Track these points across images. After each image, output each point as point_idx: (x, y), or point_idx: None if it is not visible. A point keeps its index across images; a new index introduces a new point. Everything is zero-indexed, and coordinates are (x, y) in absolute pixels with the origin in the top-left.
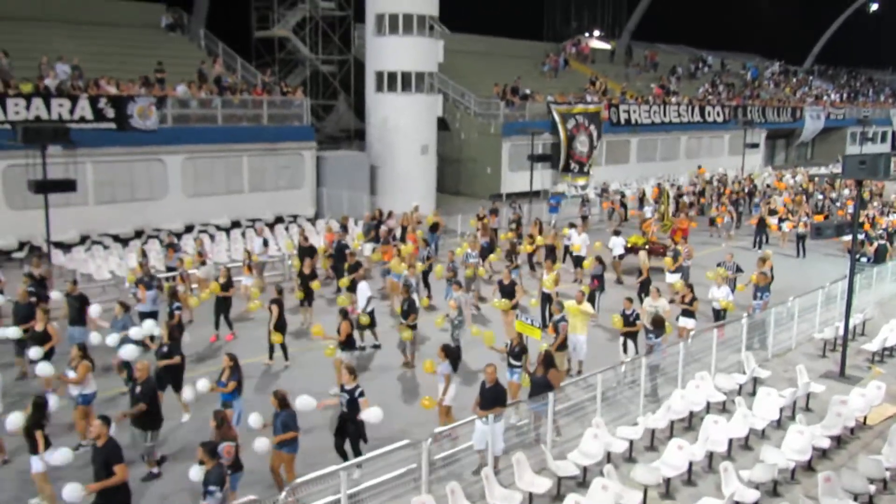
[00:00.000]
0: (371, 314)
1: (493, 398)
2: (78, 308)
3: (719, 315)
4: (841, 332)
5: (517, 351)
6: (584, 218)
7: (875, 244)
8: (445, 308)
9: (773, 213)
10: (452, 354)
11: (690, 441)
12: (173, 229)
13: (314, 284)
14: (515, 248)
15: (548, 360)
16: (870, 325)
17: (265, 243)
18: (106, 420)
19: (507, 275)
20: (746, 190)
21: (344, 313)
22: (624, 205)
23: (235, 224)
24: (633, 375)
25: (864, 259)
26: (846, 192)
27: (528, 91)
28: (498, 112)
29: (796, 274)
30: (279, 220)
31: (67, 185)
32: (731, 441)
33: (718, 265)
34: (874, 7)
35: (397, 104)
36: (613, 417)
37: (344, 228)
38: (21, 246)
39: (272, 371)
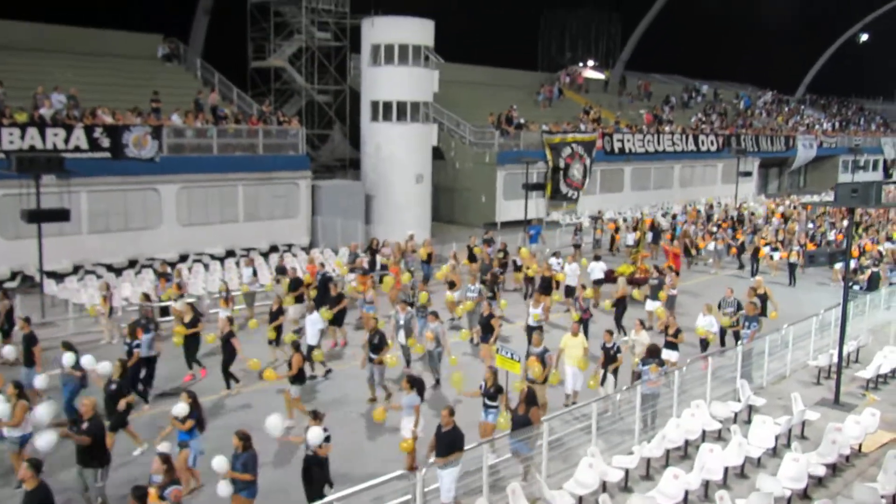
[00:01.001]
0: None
1: (448, 443)
2: (26, 347)
3: (706, 345)
4: (835, 359)
5: (492, 391)
6: (577, 247)
7: (868, 272)
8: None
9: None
10: (418, 384)
11: (686, 470)
12: (167, 259)
13: (269, 332)
14: (497, 278)
15: (530, 397)
16: (864, 352)
17: (254, 273)
18: (35, 465)
19: (487, 306)
20: (736, 218)
21: (296, 346)
22: (616, 230)
23: (230, 253)
24: (629, 404)
25: (856, 287)
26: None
27: (522, 120)
28: (492, 141)
29: (789, 302)
30: (274, 249)
31: (61, 215)
32: (726, 469)
33: (719, 305)
34: (864, 37)
35: (392, 133)
36: (609, 446)
37: (355, 256)
38: (13, 276)
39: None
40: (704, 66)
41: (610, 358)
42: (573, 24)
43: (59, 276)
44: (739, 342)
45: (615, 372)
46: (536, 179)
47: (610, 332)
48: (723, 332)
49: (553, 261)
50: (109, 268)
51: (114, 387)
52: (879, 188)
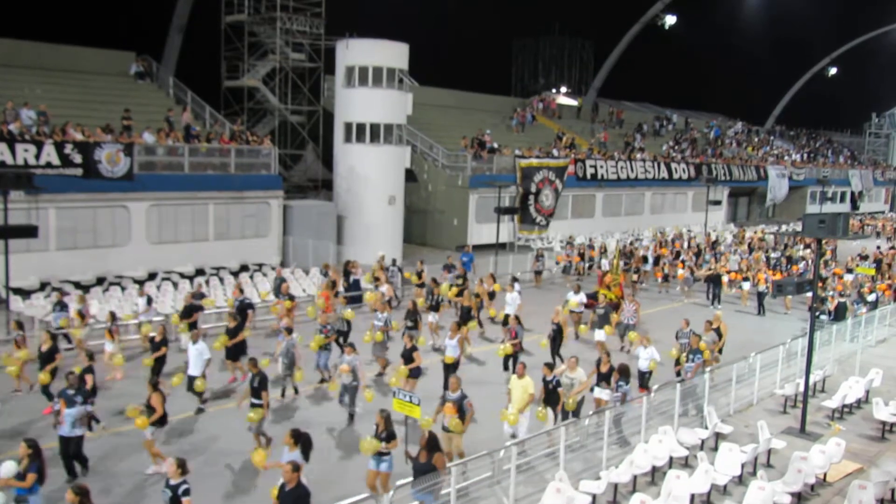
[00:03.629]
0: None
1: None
2: None
3: (644, 378)
4: (801, 388)
5: (384, 436)
6: (538, 273)
7: (835, 302)
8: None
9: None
10: (304, 441)
11: (653, 496)
12: (136, 277)
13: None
14: (417, 307)
15: (431, 443)
16: (830, 381)
17: (149, 301)
18: None
19: (408, 338)
20: (700, 247)
21: (154, 384)
22: (581, 255)
23: (200, 272)
24: (597, 427)
25: (823, 316)
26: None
27: (495, 145)
28: (465, 164)
29: (756, 330)
30: (244, 268)
31: (28, 231)
32: (693, 496)
33: (676, 336)
34: (833, 71)
35: (365, 155)
36: (576, 471)
37: (281, 281)
38: None
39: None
40: (675, 95)
41: (549, 392)
42: (546, 51)
43: (25, 293)
44: (680, 376)
45: (554, 406)
46: (509, 203)
47: (549, 367)
48: (677, 364)
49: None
50: (77, 285)
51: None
52: (846, 219)
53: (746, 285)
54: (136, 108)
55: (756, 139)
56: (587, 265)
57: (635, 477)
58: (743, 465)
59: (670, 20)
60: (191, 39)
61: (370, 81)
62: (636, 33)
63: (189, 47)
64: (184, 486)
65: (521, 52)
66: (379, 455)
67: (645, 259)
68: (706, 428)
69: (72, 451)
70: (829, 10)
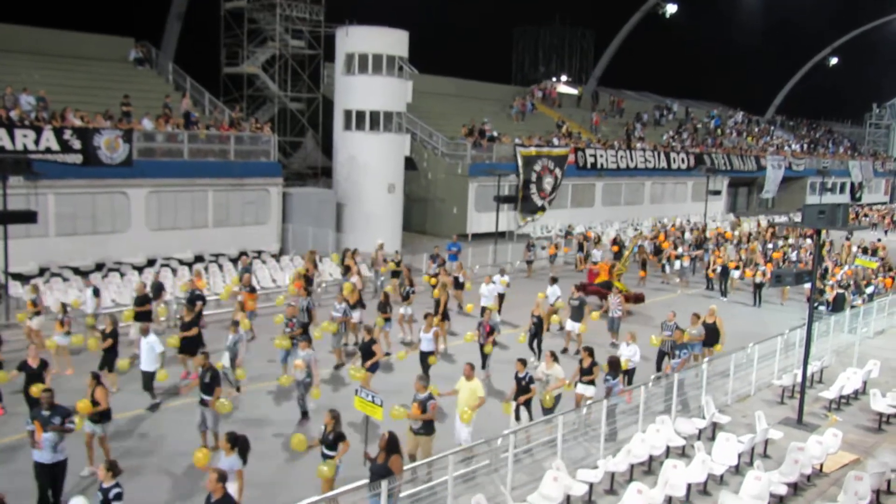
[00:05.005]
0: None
1: None
2: None
3: (627, 374)
4: (799, 379)
5: (331, 438)
6: (529, 263)
7: (834, 292)
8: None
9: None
10: (241, 444)
11: (650, 485)
12: (136, 263)
13: (91, 342)
14: (389, 299)
15: (391, 444)
16: (827, 372)
17: (95, 293)
18: None
19: (366, 332)
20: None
21: (97, 377)
22: (581, 246)
23: (199, 258)
24: (592, 418)
25: (821, 308)
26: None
27: (495, 133)
28: (465, 153)
29: (754, 322)
30: (243, 254)
31: (28, 217)
32: (689, 486)
33: (661, 328)
34: (834, 61)
35: (365, 143)
36: (574, 460)
37: (245, 270)
38: None
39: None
40: (676, 84)
41: (522, 389)
42: (547, 40)
43: (24, 278)
44: (661, 370)
45: (528, 404)
46: (508, 192)
47: (522, 362)
48: (660, 359)
49: (497, 278)
50: (76, 271)
51: None
52: (846, 210)
53: (736, 273)
54: (135, 94)
55: (756, 129)
56: (585, 255)
57: (632, 466)
58: (740, 456)
59: (671, 9)
60: (190, 26)
61: (370, 69)
62: (637, 22)
63: (188, 34)
64: (115, 490)
65: (522, 40)
66: (325, 457)
67: (658, 251)
68: (703, 418)
69: (57, 477)
70: (831, 0)
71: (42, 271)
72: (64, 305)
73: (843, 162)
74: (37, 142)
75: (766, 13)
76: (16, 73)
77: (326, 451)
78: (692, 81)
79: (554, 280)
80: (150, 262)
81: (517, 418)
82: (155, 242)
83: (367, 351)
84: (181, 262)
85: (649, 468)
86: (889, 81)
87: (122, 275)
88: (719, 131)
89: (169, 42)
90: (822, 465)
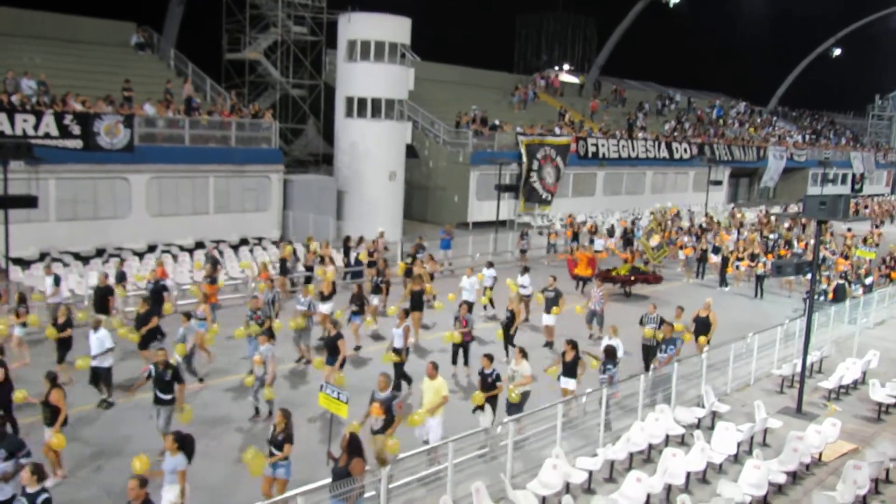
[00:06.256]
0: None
1: None
2: None
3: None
4: (798, 369)
5: (280, 438)
6: (523, 252)
7: (834, 283)
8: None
9: (716, 250)
10: (187, 444)
11: (649, 474)
12: (136, 249)
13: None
14: (362, 291)
15: (353, 446)
16: (827, 362)
17: (56, 281)
18: None
19: (332, 325)
20: (702, 227)
21: (52, 378)
22: (576, 235)
23: (200, 245)
24: (590, 406)
25: (821, 298)
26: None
27: (496, 121)
28: (466, 141)
29: (755, 311)
30: (244, 241)
31: (29, 202)
32: (688, 475)
33: (641, 321)
34: (837, 52)
35: (366, 130)
36: (573, 447)
37: (214, 261)
38: None
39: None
40: (678, 73)
41: (487, 386)
42: (549, 28)
43: (25, 263)
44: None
45: (493, 402)
46: (509, 181)
47: (489, 358)
48: (645, 353)
49: (486, 271)
50: (77, 256)
51: None
52: (847, 201)
53: (741, 265)
54: (136, 79)
55: (758, 120)
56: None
57: (631, 454)
58: (739, 444)
59: None
60: (192, 11)
61: (372, 56)
62: (640, 11)
63: (190, 19)
64: (43, 496)
65: (524, 27)
66: (274, 457)
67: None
68: (703, 407)
69: None
70: None
71: (42, 256)
72: (21, 295)
73: (844, 153)
74: (36, 127)
75: (769, 3)
76: (17, 56)
77: (274, 451)
78: (695, 71)
79: (525, 270)
80: (151, 248)
81: (481, 410)
82: (156, 228)
83: (332, 346)
84: (182, 248)
85: (648, 456)
86: (892, 73)
87: (122, 260)
88: (721, 121)
89: (171, 27)
90: (820, 454)
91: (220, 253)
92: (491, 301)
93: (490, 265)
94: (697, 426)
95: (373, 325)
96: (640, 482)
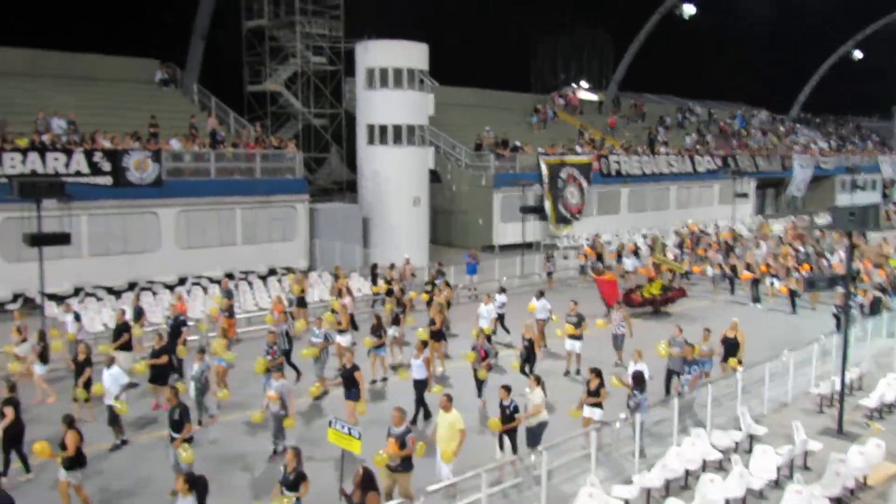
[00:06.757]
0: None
1: None
2: None
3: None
4: (837, 387)
5: (292, 479)
6: (550, 274)
7: (870, 296)
8: None
9: (749, 267)
10: (200, 486)
11: (686, 501)
12: (167, 282)
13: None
14: (381, 322)
15: (366, 480)
16: (867, 379)
17: (77, 318)
18: None
19: (350, 356)
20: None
21: (69, 421)
22: (600, 256)
23: (229, 276)
24: (623, 433)
25: (854, 311)
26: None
27: (517, 143)
28: (488, 164)
29: (788, 328)
30: (272, 272)
31: (62, 239)
32: (727, 501)
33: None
34: (857, 55)
35: (389, 157)
36: (608, 475)
37: (228, 293)
38: (15, 298)
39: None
40: (697, 85)
41: (506, 418)
42: (566, 46)
43: (59, 299)
44: (681, 390)
45: (512, 434)
46: (533, 202)
47: (507, 389)
48: (668, 377)
49: (498, 297)
50: (109, 290)
51: None
52: (877, 210)
53: (777, 283)
54: (161, 114)
55: (781, 128)
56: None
57: (668, 481)
58: (779, 468)
59: (689, 10)
60: (213, 46)
61: (391, 83)
62: (655, 24)
63: (212, 53)
64: None
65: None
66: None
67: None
68: (740, 429)
69: None
70: None
71: (77, 291)
72: (41, 333)
73: (872, 158)
74: (67, 165)
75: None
76: (46, 97)
77: (287, 493)
78: (713, 82)
79: (541, 294)
80: (182, 281)
81: (501, 448)
82: (185, 261)
83: (349, 378)
84: (211, 280)
85: (685, 483)
86: None
87: (154, 293)
88: (744, 132)
89: (193, 62)
90: (865, 478)
91: (235, 286)
92: (504, 327)
93: (502, 290)
94: (735, 450)
95: (389, 358)
96: None
